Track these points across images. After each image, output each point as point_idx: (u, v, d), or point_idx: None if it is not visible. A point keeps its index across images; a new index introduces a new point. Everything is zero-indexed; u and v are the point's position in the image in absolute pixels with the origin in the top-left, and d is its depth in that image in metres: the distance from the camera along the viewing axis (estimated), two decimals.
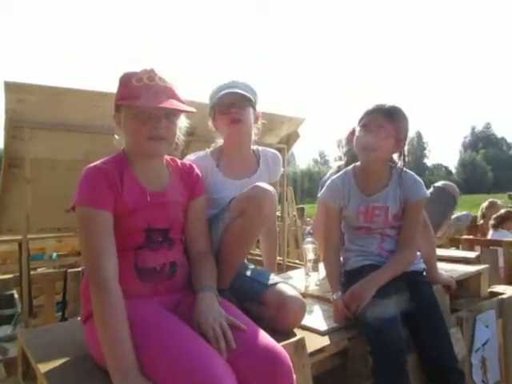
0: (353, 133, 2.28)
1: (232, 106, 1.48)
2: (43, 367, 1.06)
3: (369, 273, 1.45)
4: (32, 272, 2.93)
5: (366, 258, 1.57)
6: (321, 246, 1.76)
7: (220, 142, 1.62)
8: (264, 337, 1.03)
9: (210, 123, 1.60)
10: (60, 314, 2.88)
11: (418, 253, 1.63)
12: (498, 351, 1.89)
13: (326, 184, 1.66)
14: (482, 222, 4.97)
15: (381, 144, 1.46)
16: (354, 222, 1.60)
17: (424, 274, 1.61)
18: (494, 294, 2.00)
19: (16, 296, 2.58)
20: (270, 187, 1.33)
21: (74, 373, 1.05)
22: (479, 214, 5.04)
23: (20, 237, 2.49)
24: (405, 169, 1.57)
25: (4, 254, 4.72)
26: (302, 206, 9.49)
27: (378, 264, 1.51)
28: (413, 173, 1.58)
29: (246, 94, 1.49)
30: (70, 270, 2.85)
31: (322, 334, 1.33)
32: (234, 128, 1.51)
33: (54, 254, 4.64)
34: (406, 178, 1.55)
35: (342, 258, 1.66)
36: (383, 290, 1.41)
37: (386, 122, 1.45)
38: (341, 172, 1.66)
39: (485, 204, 4.91)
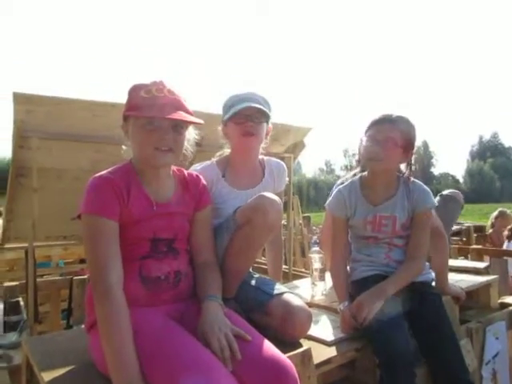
0: None
1: (249, 118, 1.48)
2: (47, 375, 1.06)
3: (376, 283, 1.43)
4: (38, 279, 2.95)
5: (373, 268, 1.55)
6: (328, 254, 1.74)
7: (227, 150, 1.63)
8: (269, 348, 1.02)
9: (219, 128, 1.59)
10: (65, 321, 2.88)
11: (427, 263, 1.60)
12: (509, 363, 1.85)
13: (333, 194, 1.65)
14: (491, 231, 4.92)
15: (388, 154, 1.45)
16: (361, 232, 1.58)
17: (433, 284, 1.58)
18: (505, 305, 1.97)
19: (22, 303, 2.58)
20: (275, 197, 1.33)
21: (77, 381, 1.04)
22: (488, 223, 5.00)
23: (27, 244, 2.50)
24: (412, 178, 1.56)
25: (11, 261, 4.76)
26: (308, 214, 9.47)
27: (386, 274, 1.49)
28: (420, 182, 1.57)
29: (264, 109, 1.49)
30: (75, 278, 2.84)
31: (328, 344, 1.32)
32: (246, 141, 1.51)
33: (61, 262, 4.66)
34: (414, 188, 1.53)
35: (348, 268, 1.65)
36: (391, 300, 1.39)
37: (393, 132, 1.45)
38: (347, 182, 1.65)
39: (494, 214, 4.86)
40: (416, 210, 1.51)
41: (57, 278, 3.47)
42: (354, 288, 1.54)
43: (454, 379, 1.32)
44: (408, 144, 1.48)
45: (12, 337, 2.02)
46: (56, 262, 4.63)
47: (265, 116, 1.51)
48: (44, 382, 1.04)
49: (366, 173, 1.60)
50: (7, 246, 3.03)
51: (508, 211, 4.95)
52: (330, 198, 1.65)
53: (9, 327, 2.23)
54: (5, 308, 2.47)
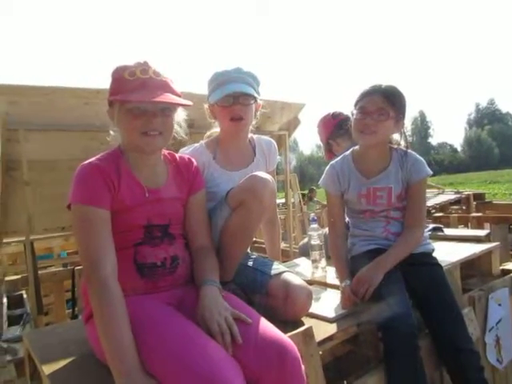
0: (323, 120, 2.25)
1: (236, 102, 1.42)
2: (47, 368, 1.05)
3: (375, 257, 1.42)
4: (40, 271, 2.95)
5: (372, 243, 1.53)
6: None
7: (216, 130, 1.58)
8: (270, 329, 1.01)
9: (206, 106, 1.54)
10: (71, 311, 2.90)
11: (427, 233, 1.59)
12: None
13: (325, 170, 1.63)
14: None
15: (380, 126, 1.41)
16: (356, 206, 1.56)
17: (433, 254, 1.57)
18: (506, 272, 1.97)
19: (25, 296, 2.59)
20: (267, 176, 1.30)
21: (77, 373, 1.04)
22: None
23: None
24: (405, 149, 1.52)
25: (13, 255, 4.77)
26: (312, 187, 9.52)
27: (385, 248, 1.47)
28: (413, 152, 1.54)
29: (252, 92, 1.43)
30: (77, 268, 2.85)
31: (330, 321, 1.31)
32: (235, 125, 1.46)
33: (63, 253, 4.68)
34: (407, 158, 1.50)
35: (348, 244, 1.63)
36: (391, 273, 1.38)
37: (384, 103, 1.41)
38: (339, 157, 1.62)
39: None
40: (411, 180, 1.49)
41: (59, 269, 3.49)
42: (353, 263, 1.53)
43: (457, 349, 1.32)
44: (399, 114, 1.44)
45: (16, 330, 2.02)
46: (58, 254, 4.64)
47: (253, 98, 1.45)
48: (45, 374, 1.03)
49: (357, 146, 1.56)
50: (6, 240, 3.02)
51: None
52: (324, 174, 1.63)
53: (13, 321, 2.24)
54: (8, 302, 2.48)
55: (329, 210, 1.62)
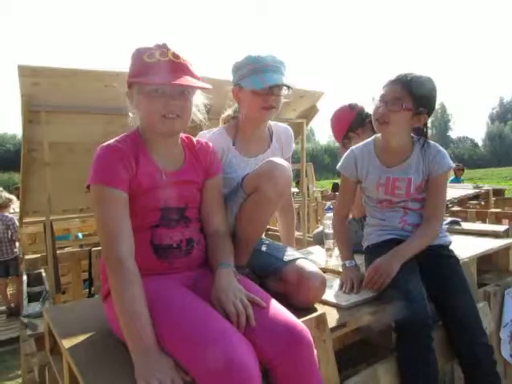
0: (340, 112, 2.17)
1: (271, 92, 1.41)
2: (67, 343, 1.09)
3: (391, 247, 1.41)
4: (59, 251, 3.03)
5: (388, 233, 1.52)
6: None
7: (229, 112, 1.58)
8: (284, 313, 1.02)
9: (229, 88, 1.52)
10: (87, 290, 2.98)
11: (445, 226, 1.57)
12: None
13: (345, 154, 1.61)
14: None
15: (393, 117, 1.38)
16: (374, 194, 1.55)
17: (450, 247, 1.55)
18: None
19: (44, 274, 2.67)
20: (284, 162, 1.29)
21: (96, 347, 1.07)
22: None
23: (44, 218, 2.55)
24: (428, 140, 1.49)
25: (32, 235, 4.91)
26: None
27: (402, 238, 1.46)
28: (436, 144, 1.51)
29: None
30: (94, 249, 2.92)
31: (343, 308, 1.31)
32: (266, 114, 1.45)
33: (80, 234, 4.78)
34: (430, 150, 1.48)
35: (364, 232, 1.63)
36: (408, 264, 1.37)
37: (402, 93, 1.37)
38: (362, 142, 1.60)
39: None
40: (432, 172, 1.46)
41: (77, 249, 3.58)
42: (368, 253, 1.53)
43: (470, 342, 1.31)
44: (419, 106, 1.39)
45: (36, 306, 2.09)
46: (75, 235, 4.75)
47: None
48: (65, 348, 1.06)
49: (379, 134, 1.54)
50: (26, 220, 3.10)
51: None
52: (342, 158, 1.61)
53: (33, 297, 2.32)
54: (28, 279, 2.56)
55: (340, 194, 1.62)
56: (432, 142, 1.50)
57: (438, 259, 1.45)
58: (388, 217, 1.54)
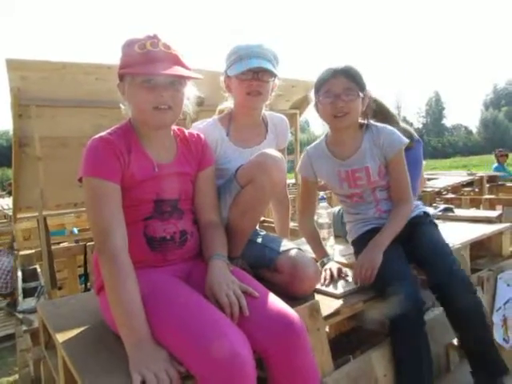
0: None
1: (256, 77, 1.40)
2: (61, 337, 1.09)
3: (374, 236, 1.42)
4: (54, 247, 3.02)
5: (366, 224, 1.55)
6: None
7: (227, 104, 1.57)
8: (277, 302, 1.02)
9: (221, 78, 1.51)
10: (83, 285, 2.98)
11: (417, 202, 1.61)
12: None
13: (302, 155, 1.63)
14: None
15: (352, 106, 1.40)
16: (340, 191, 1.57)
17: (427, 216, 1.58)
18: None
19: (39, 270, 2.66)
20: (277, 153, 1.29)
21: (90, 341, 1.07)
22: None
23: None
24: (373, 123, 1.50)
25: (27, 230, 4.88)
26: None
27: (381, 226, 1.47)
28: (384, 124, 1.51)
29: (272, 69, 1.40)
30: (89, 244, 2.91)
31: (337, 297, 1.32)
32: (251, 100, 1.44)
33: (75, 229, 4.77)
34: (379, 132, 1.48)
35: (347, 228, 1.65)
36: (391, 249, 1.38)
37: (349, 83, 1.39)
38: (314, 142, 1.62)
39: None
40: (387, 155, 1.47)
41: (72, 245, 3.57)
42: (356, 246, 1.55)
43: (445, 270, 1.32)
44: (363, 91, 1.42)
45: (31, 302, 2.09)
46: (70, 230, 4.73)
47: (273, 75, 1.43)
48: (59, 342, 1.06)
49: (329, 130, 1.54)
50: (19, 215, 3.08)
51: None
52: (300, 159, 1.64)
53: (28, 293, 2.31)
54: (23, 275, 2.55)
55: (302, 196, 1.64)
56: (379, 124, 1.51)
57: (416, 228, 1.49)
58: (362, 210, 1.56)
